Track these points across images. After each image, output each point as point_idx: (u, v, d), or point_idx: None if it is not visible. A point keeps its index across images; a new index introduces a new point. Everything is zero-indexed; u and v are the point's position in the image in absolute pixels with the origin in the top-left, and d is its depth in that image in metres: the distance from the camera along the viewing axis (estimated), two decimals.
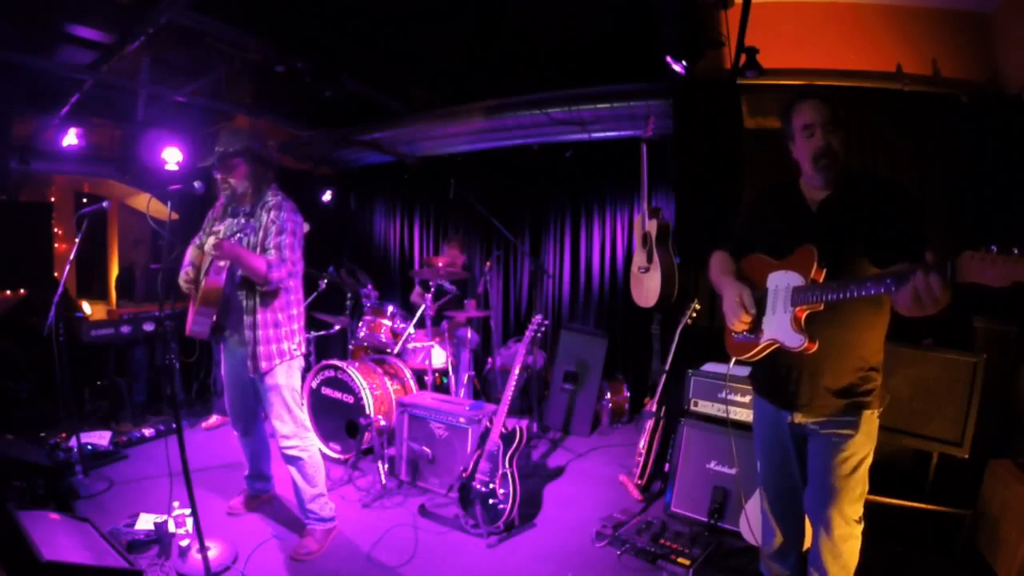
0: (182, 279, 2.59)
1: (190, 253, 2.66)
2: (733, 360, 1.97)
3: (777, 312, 1.70)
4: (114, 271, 6.28)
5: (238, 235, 2.50)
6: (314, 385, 3.76)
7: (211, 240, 2.37)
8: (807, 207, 1.76)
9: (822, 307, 1.60)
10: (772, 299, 1.72)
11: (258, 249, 2.46)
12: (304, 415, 2.68)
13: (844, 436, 1.70)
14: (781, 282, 1.69)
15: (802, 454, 1.83)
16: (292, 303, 2.60)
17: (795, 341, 1.64)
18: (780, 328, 1.68)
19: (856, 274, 1.59)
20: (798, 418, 1.77)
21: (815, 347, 1.63)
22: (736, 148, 3.55)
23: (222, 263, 2.42)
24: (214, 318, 2.50)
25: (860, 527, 1.76)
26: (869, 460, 1.73)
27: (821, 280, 1.60)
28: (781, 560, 1.98)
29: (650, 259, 3.57)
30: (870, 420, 1.72)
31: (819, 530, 1.77)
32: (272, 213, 2.49)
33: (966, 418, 2.47)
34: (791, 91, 1.82)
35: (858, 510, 1.74)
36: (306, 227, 2.62)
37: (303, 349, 2.67)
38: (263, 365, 2.50)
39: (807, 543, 1.93)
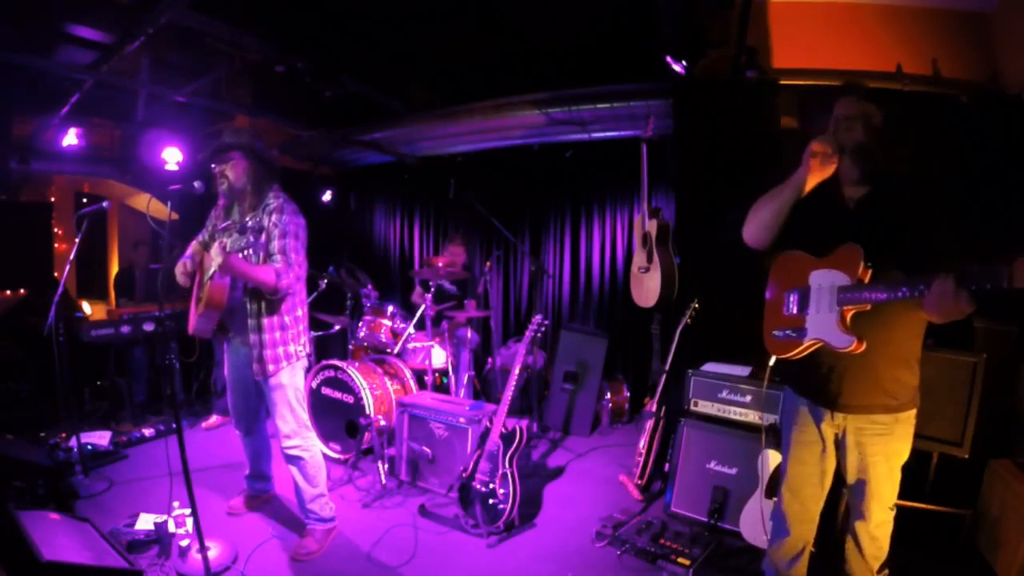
0: (179, 270, 2.57)
1: (192, 248, 2.66)
2: (773, 358, 1.95)
3: (822, 311, 1.66)
4: (114, 271, 6.29)
5: (247, 251, 2.45)
6: (314, 385, 3.76)
7: (217, 250, 2.33)
8: (845, 204, 1.74)
9: (869, 307, 1.57)
10: (816, 297, 1.69)
11: (262, 253, 2.44)
12: (306, 415, 2.67)
13: (884, 436, 1.72)
14: (824, 281, 1.67)
15: (835, 452, 1.83)
16: (297, 304, 2.59)
17: (843, 341, 1.61)
18: (826, 327, 1.65)
19: (895, 275, 1.57)
20: (838, 418, 1.77)
21: (863, 347, 1.60)
22: (736, 148, 3.55)
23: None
24: (218, 320, 2.50)
25: (894, 512, 1.81)
26: (906, 457, 1.76)
27: (867, 280, 1.58)
28: (789, 560, 1.98)
29: (650, 259, 3.57)
30: (908, 420, 1.74)
31: (857, 517, 1.82)
32: (274, 216, 2.45)
33: (966, 418, 2.47)
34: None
35: (894, 497, 1.79)
36: None
37: (308, 349, 2.67)
38: (270, 368, 2.49)
39: (809, 546, 1.97)
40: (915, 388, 1.74)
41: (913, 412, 1.75)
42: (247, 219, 2.49)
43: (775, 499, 2.41)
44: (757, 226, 1.87)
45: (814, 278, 1.70)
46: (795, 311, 1.74)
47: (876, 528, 1.80)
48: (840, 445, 1.81)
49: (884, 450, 1.73)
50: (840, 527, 2.32)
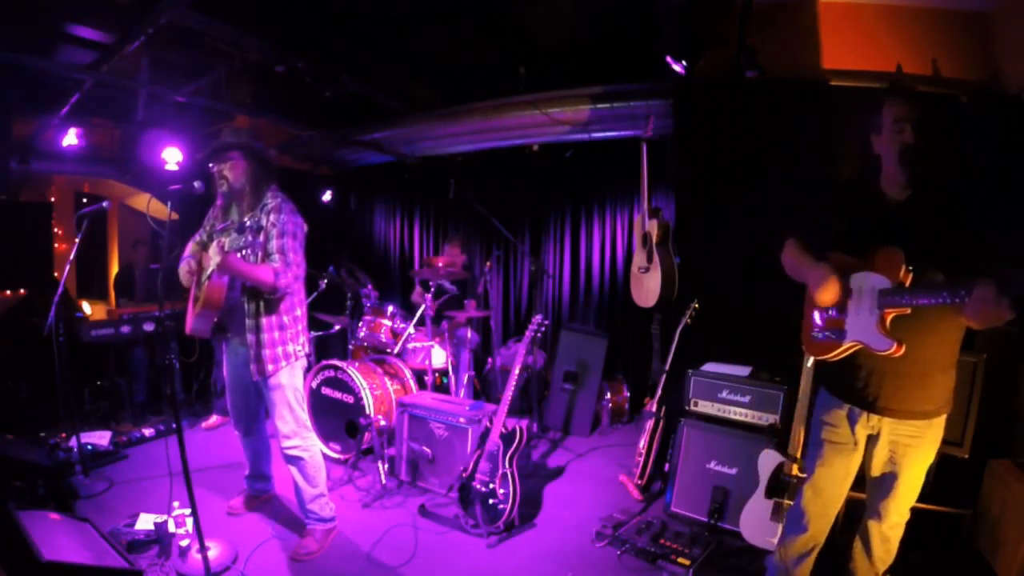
0: (183, 270, 2.56)
1: (190, 248, 2.65)
2: (811, 359, 1.94)
3: (862, 313, 1.66)
4: (114, 271, 6.29)
5: (245, 251, 2.44)
6: (314, 385, 3.76)
7: (215, 249, 2.33)
8: (888, 207, 1.72)
9: (909, 311, 1.57)
10: (856, 300, 1.69)
11: (260, 253, 2.44)
12: (305, 415, 2.67)
13: (917, 439, 1.72)
14: (865, 283, 1.66)
15: (864, 450, 1.84)
16: (296, 304, 2.59)
17: (883, 345, 1.61)
18: (866, 330, 1.65)
19: (936, 278, 1.56)
20: (873, 419, 1.77)
21: (902, 351, 1.60)
22: (736, 148, 3.55)
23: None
24: (215, 319, 2.50)
25: (908, 517, 1.82)
26: (932, 459, 1.78)
27: (908, 283, 1.58)
28: (797, 557, 1.98)
29: (650, 259, 3.57)
30: (939, 425, 1.74)
31: (871, 516, 1.84)
32: (272, 216, 2.45)
33: (966, 418, 2.47)
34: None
35: (914, 500, 1.80)
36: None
37: (307, 349, 2.67)
38: (268, 368, 2.49)
39: (819, 546, 1.98)
40: (950, 392, 1.74)
41: (944, 417, 1.75)
42: (245, 219, 2.49)
43: (776, 499, 2.42)
44: (791, 274, 1.94)
45: (854, 280, 1.70)
46: (835, 313, 1.74)
47: (890, 529, 1.81)
48: (871, 443, 1.81)
49: (915, 454, 1.74)
50: (842, 527, 2.33)
